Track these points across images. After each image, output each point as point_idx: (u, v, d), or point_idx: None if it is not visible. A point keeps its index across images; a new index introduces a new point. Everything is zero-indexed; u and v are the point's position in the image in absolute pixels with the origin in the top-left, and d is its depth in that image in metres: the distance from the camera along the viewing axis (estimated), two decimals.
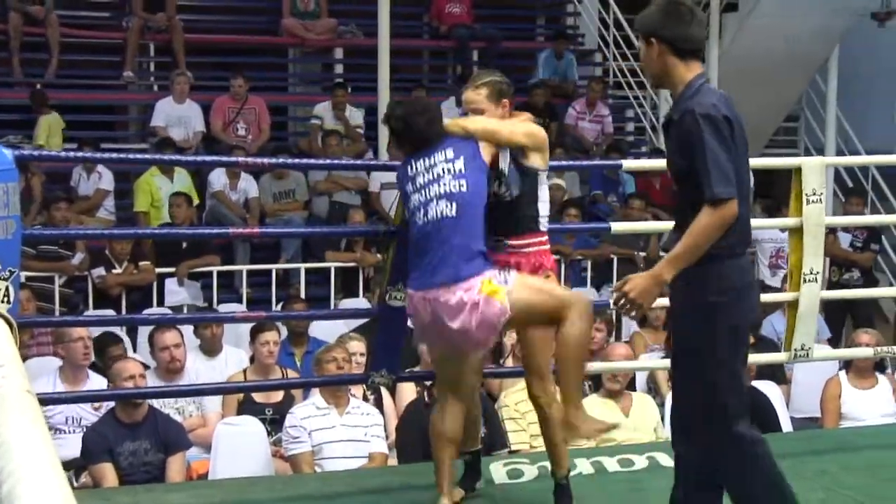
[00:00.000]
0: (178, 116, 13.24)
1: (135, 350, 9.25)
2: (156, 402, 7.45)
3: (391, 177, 5.89)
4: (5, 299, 5.21)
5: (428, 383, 7.43)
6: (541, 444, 6.64)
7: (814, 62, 15.01)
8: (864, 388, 8.58)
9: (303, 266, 11.55)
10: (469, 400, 5.49)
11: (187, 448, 7.32)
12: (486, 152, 5.25)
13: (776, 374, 9.22)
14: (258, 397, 8.11)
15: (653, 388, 8.92)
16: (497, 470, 6.18)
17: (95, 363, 8.33)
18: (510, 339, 8.04)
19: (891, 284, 13.40)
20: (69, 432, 7.59)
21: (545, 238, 5.45)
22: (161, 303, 10.61)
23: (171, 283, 10.79)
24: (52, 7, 13.80)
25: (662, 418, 8.07)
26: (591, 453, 6.58)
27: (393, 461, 7.30)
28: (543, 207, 5.44)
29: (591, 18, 16.66)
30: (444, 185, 5.15)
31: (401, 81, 14.37)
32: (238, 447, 7.44)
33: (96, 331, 8.56)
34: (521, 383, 7.32)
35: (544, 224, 5.45)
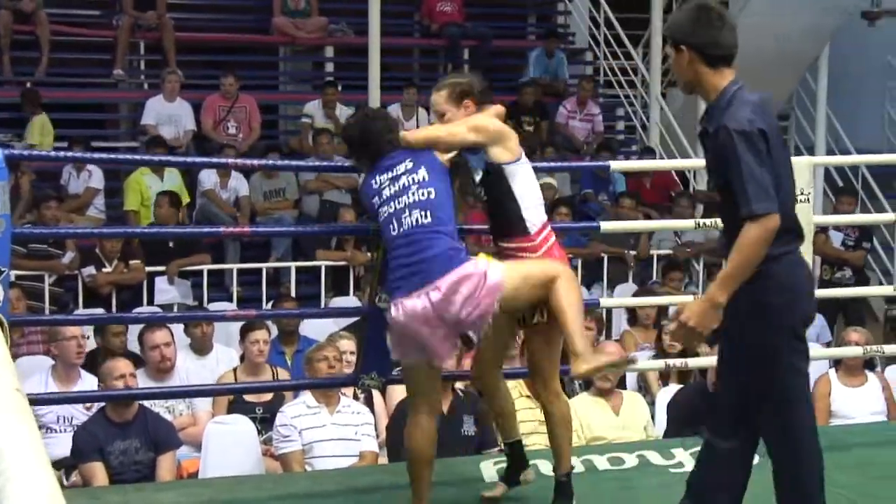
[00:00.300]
0: (169, 115, 13.23)
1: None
2: (146, 401, 7.44)
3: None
4: None
5: None
6: (532, 442, 6.67)
7: (804, 61, 15.02)
8: (853, 386, 8.59)
9: (293, 265, 11.54)
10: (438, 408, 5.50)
11: (178, 447, 7.31)
12: (441, 155, 5.27)
13: None
14: (249, 396, 8.10)
15: (643, 387, 8.92)
16: (488, 469, 6.18)
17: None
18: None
19: (881, 283, 13.41)
20: (60, 431, 7.58)
21: (537, 242, 5.30)
22: (151, 301, 10.60)
23: (160, 282, 10.79)
24: (42, 4, 13.76)
25: (653, 417, 8.08)
26: (582, 452, 6.58)
27: (383, 460, 7.29)
28: (526, 202, 5.31)
29: (581, 17, 16.66)
30: (413, 194, 5.15)
31: (391, 80, 14.37)
32: (228, 446, 7.43)
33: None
34: (511, 382, 7.33)
35: (534, 222, 5.31)
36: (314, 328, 9.80)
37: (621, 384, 8.45)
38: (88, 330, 8.81)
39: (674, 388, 8.30)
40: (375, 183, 5.27)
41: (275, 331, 9.40)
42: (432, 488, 5.41)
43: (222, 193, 12.30)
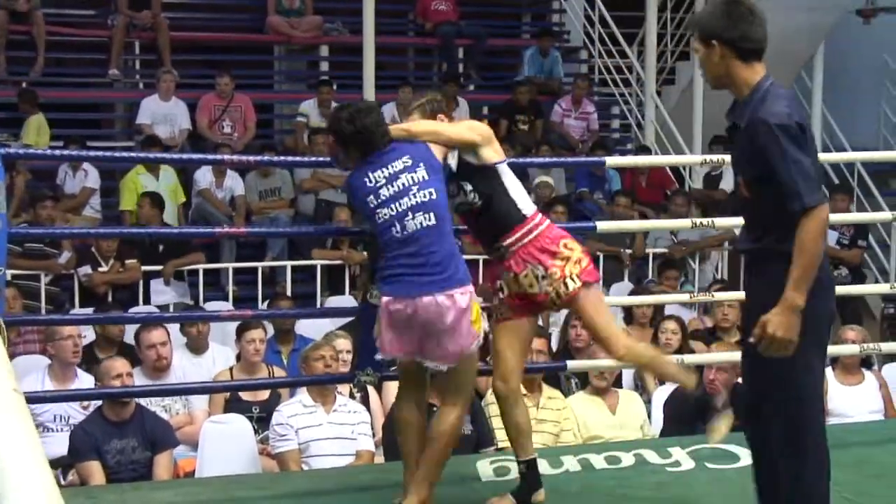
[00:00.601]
0: (164, 114, 13.22)
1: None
2: (142, 401, 7.43)
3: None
4: None
5: None
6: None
7: (799, 59, 15.02)
8: (850, 384, 8.59)
9: (289, 264, 11.53)
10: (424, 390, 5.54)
11: (174, 446, 7.31)
12: (437, 152, 5.26)
13: None
14: (245, 395, 8.11)
15: (640, 386, 8.92)
16: (484, 467, 6.19)
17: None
18: None
19: (877, 281, 13.41)
20: (57, 430, 7.58)
21: (536, 220, 5.45)
22: (147, 301, 10.59)
23: (156, 284, 10.78)
24: (38, 4, 13.75)
25: (650, 416, 8.08)
26: (578, 450, 6.59)
27: (380, 459, 7.29)
28: (517, 194, 5.45)
29: (576, 15, 16.66)
30: (415, 195, 5.12)
31: (386, 79, 14.39)
32: (225, 445, 7.43)
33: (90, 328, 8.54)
34: None
35: (528, 207, 5.47)
36: (310, 327, 9.79)
37: (618, 383, 8.45)
38: (84, 329, 8.80)
39: (670, 386, 8.29)
40: (370, 180, 5.19)
41: (271, 330, 9.39)
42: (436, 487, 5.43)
43: (218, 193, 12.30)
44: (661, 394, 8.23)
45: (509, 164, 5.52)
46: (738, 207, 4.86)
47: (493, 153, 5.41)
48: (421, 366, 5.31)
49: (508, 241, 5.39)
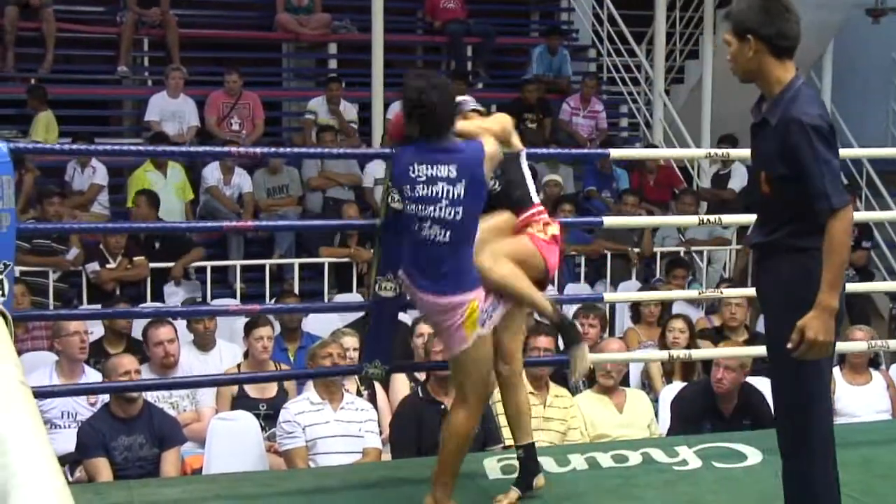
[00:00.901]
0: (172, 111, 13.23)
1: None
2: (150, 397, 7.44)
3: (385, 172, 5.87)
4: (0, 292, 5.20)
5: (422, 378, 7.43)
6: (536, 439, 6.65)
7: (808, 58, 15.00)
8: (858, 384, 8.59)
9: (296, 261, 11.54)
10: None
11: (182, 443, 7.32)
12: (487, 165, 5.20)
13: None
14: (252, 392, 8.11)
15: (647, 384, 8.92)
16: (491, 465, 6.18)
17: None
18: None
19: (885, 280, 13.39)
20: (64, 427, 7.58)
21: (541, 207, 5.63)
22: (155, 298, 10.60)
23: (168, 288, 10.80)
24: (48, 1, 13.76)
25: (657, 414, 8.08)
26: (585, 449, 6.58)
27: (387, 456, 7.29)
28: (530, 182, 5.64)
29: (585, 14, 16.66)
30: (441, 209, 5.10)
31: (394, 77, 14.36)
32: (232, 442, 7.44)
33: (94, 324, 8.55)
34: None
35: (536, 195, 5.65)
36: (317, 325, 9.80)
37: (625, 382, 8.45)
38: (91, 325, 8.81)
39: (678, 385, 8.30)
40: (413, 170, 5.14)
41: (278, 328, 9.39)
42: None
43: (226, 190, 12.30)
44: (668, 392, 8.23)
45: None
46: (752, 202, 4.84)
47: (518, 141, 5.61)
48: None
49: (519, 220, 5.52)
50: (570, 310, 9.82)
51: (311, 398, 7.27)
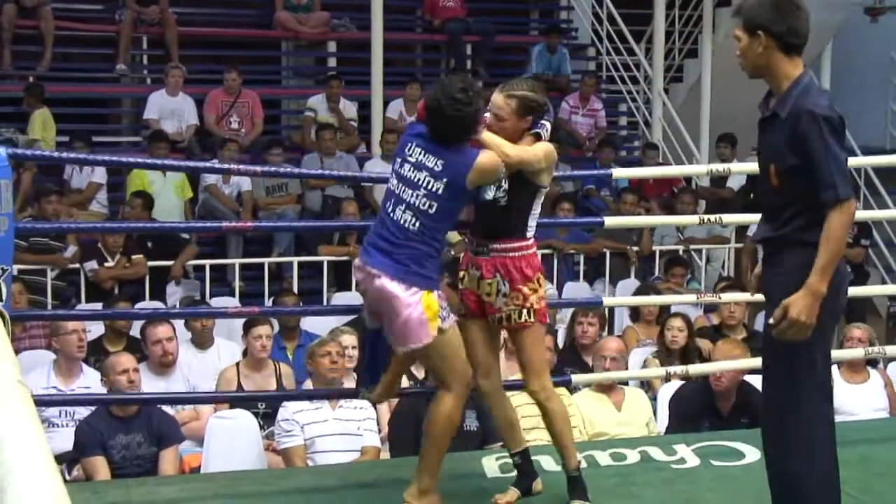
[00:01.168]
0: (171, 109, 13.23)
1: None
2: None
3: (385, 170, 5.86)
4: None
5: (421, 376, 7.43)
6: (534, 438, 6.67)
7: (807, 57, 14.89)
8: (855, 382, 8.58)
9: (295, 260, 11.54)
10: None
11: (180, 442, 7.32)
12: (478, 177, 5.16)
13: None
14: (251, 391, 8.11)
15: (645, 383, 8.92)
16: (489, 464, 6.18)
17: None
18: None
19: (883, 280, 13.41)
20: (62, 425, 7.58)
21: (531, 242, 5.46)
22: (153, 296, 10.60)
23: (168, 287, 10.81)
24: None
25: (655, 413, 8.08)
26: (584, 447, 6.57)
27: (385, 455, 7.29)
28: (533, 218, 5.45)
29: (584, 13, 16.66)
30: (417, 197, 5.13)
31: (394, 75, 14.38)
32: (230, 441, 7.44)
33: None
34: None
35: (533, 230, 5.47)
36: (316, 323, 9.79)
37: (623, 380, 8.44)
38: (90, 324, 8.81)
39: (676, 383, 8.30)
40: (408, 149, 5.22)
41: (276, 326, 9.39)
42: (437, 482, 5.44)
43: (225, 189, 12.30)
44: (666, 391, 8.23)
45: None
46: (760, 196, 4.84)
47: (547, 177, 5.42)
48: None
49: (498, 245, 5.38)
50: (569, 309, 9.83)
51: None
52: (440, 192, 5.12)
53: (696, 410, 7.57)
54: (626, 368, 8.49)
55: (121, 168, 12.72)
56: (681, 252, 12.41)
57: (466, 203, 5.32)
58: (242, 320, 8.72)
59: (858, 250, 12.39)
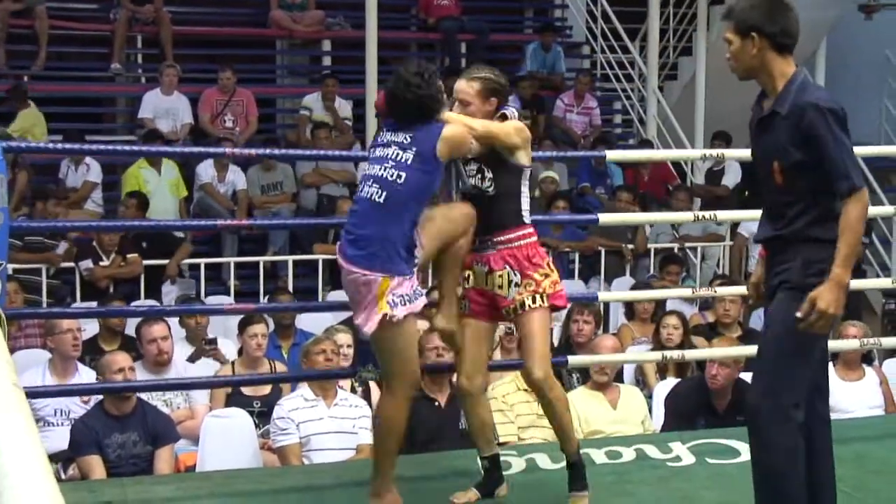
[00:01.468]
0: (166, 108, 13.23)
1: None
2: (143, 395, 7.43)
3: None
4: None
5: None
6: (530, 436, 6.68)
7: (801, 54, 14.92)
8: (851, 379, 8.58)
9: (290, 258, 11.53)
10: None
11: (176, 441, 7.31)
12: (445, 149, 5.15)
13: None
14: (246, 390, 8.11)
15: (640, 381, 8.92)
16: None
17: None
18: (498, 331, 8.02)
19: (878, 277, 13.41)
20: (57, 424, 7.58)
21: (532, 230, 5.44)
22: (148, 295, 10.60)
23: (165, 286, 10.80)
24: None
25: (651, 411, 8.08)
26: (579, 445, 6.58)
27: None
28: (525, 201, 5.43)
29: (578, 11, 16.65)
30: (385, 169, 5.14)
31: (388, 74, 14.29)
32: (226, 439, 7.43)
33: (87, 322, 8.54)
34: (509, 376, 7.35)
35: (528, 216, 5.45)
36: (311, 322, 9.78)
37: (619, 378, 8.45)
38: (85, 322, 8.81)
39: (671, 381, 8.31)
40: (381, 136, 5.27)
41: (272, 325, 9.39)
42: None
43: (220, 187, 12.30)
44: (662, 389, 8.24)
45: None
46: (763, 195, 4.82)
47: (525, 156, 5.41)
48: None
49: (501, 238, 5.37)
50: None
51: (305, 395, 7.27)
52: (409, 161, 5.12)
53: (692, 408, 7.58)
54: (622, 367, 8.50)
55: (116, 167, 12.73)
56: (676, 250, 12.41)
57: (436, 181, 5.23)
58: (237, 319, 8.71)
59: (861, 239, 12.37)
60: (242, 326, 8.49)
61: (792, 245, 4.60)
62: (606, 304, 10.82)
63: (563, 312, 9.47)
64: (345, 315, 9.05)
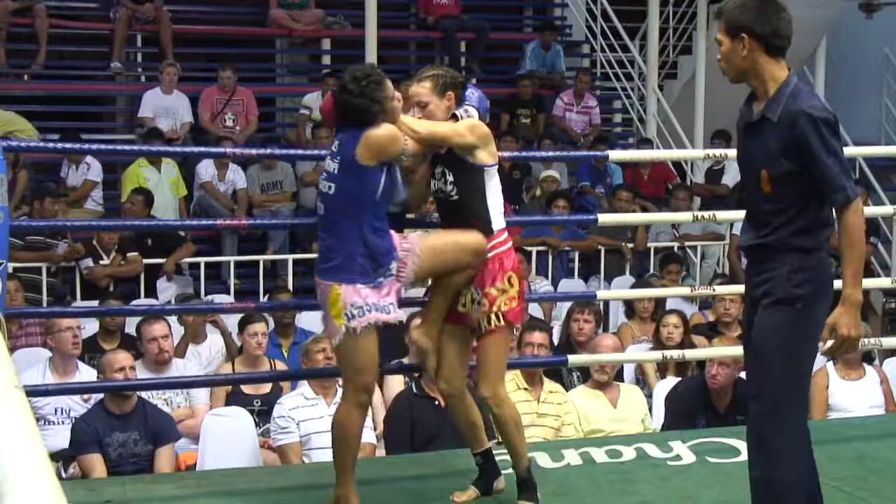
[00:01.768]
0: (166, 107, 13.22)
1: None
2: (144, 394, 7.43)
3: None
4: None
5: (416, 374, 7.43)
6: (530, 435, 6.67)
7: (801, 53, 15.00)
8: (851, 379, 8.58)
9: (290, 257, 11.52)
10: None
11: (176, 439, 7.31)
12: (368, 154, 5.03)
13: None
14: (246, 388, 8.12)
15: (641, 379, 8.93)
16: None
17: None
18: None
19: (878, 276, 13.40)
20: (58, 423, 7.59)
21: (503, 237, 5.30)
22: (149, 294, 10.60)
23: (161, 282, 10.80)
24: None
25: (651, 410, 8.09)
26: (579, 444, 6.59)
27: (381, 452, 7.30)
28: (493, 203, 5.29)
29: (578, 9, 16.65)
30: (323, 182, 5.19)
31: (388, 73, 14.21)
32: (226, 438, 7.44)
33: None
34: (509, 374, 7.34)
35: (498, 221, 5.30)
36: (311, 321, 9.77)
37: (619, 377, 8.45)
38: (85, 321, 8.80)
39: (672, 380, 8.31)
40: (334, 146, 5.20)
41: (271, 324, 9.39)
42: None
43: (220, 186, 12.30)
44: (662, 388, 8.24)
45: (512, 159, 5.48)
46: (748, 202, 4.72)
47: (486, 155, 5.25)
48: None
49: None
50: (564, 306, 9.84)
51: (305, 393, 7.28)
52: (336, 170, 5.10)
53: (692, 407, 7.58)
54: (622, 366, 8.50)
55: (116, 166, 12.74)
56: (676, 249, 12.40)
57: (372, 187, 5.08)
58: (237, 317, 8.71)
59: (866, 248, 12.33)
60: (242, 325, 8.50)
61: (777, 254, 4.51)
62: (606, 303, 10.82)
63: (563, 310, 9.49)
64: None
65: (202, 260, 11.13)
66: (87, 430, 6.91)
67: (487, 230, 5.24)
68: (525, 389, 7.42)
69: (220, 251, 11.86)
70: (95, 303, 9.62)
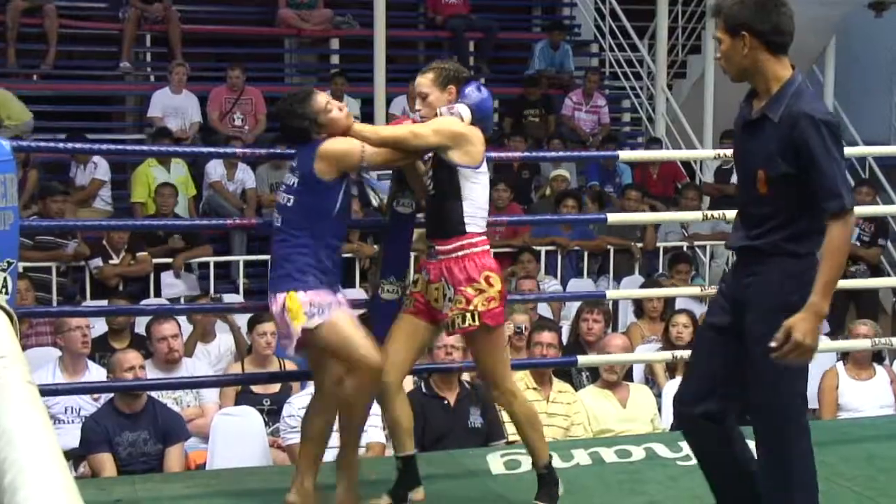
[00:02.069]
0: (175, 107, 13.23)
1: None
2: (154, 393, 7.44)
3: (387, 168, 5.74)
4: (3, 290, 5.21)
5: (425, 374, 7.44)
6: None
7: (810, 53, 15.00)
8: (861, 379, 8.58)
9: None
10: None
11: (186, 439, 7.32)
12: (327, 167, 5.13)
13: None
14: (256, 387, 8.12)
15: (650, 379, 8.92)
16: (495, 461, 6.19)
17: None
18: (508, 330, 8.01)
19: (888, 274, 13.39)
20: (68, 422, 7.60)
21: (476, 240, 5.18)
22: (158, 293, 10.61)
23: (167, 276, 10.81)
24: None
25: (660, 409, 8.08)
26: (589, 444, 6.59)
27: (390, 451, 7.28)
28: (471, 206, 5.17)
29: (587, 9, 16.66)
30: (281, 195, 5.32)
31: (397, 72, 14.38)
32: (236, 437, 7.44)
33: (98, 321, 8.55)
34: (518, 374, 7.34)
35: (476, 224, 5.20)
36: None
37: (628, 377, 8.45)
38: (95, 320, 8.82)
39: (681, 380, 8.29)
40: (294, 161, 5.41)
41: None
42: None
43: (229, 185, 12.31)
44: (671, 387, 8.23)
45: (521, 159, 5.47)
46: (741, 202, 4.64)
47: (461, 155, 5.13)
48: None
49: (440, 247, 5.20)
50: (573, 305, 9.84)
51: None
52: (295, 185, 5.23)
53: None
54: (631, 366, 8.50)
55: (125, 165, 12.75)
56: (685, 248, 12.40)
57: (331, 200, 5.18)
58: (248, 318, 8.72)
59: (875, 250, 12.30)
60: (252, 325, 8.50)
61: (768, 258, 4.40)
62: (615, 303, 10.82)
63: (573, 310, 9.49)
64: (355, 313, 9.04)
65: (211, 259, 11.14)
66: (97, 429, 6.92)
67: (456, 231, 5.17)
68: (534, 389, 7.43)
69: (230, 250, 11.87)
70: (105, 302, 9.64)
